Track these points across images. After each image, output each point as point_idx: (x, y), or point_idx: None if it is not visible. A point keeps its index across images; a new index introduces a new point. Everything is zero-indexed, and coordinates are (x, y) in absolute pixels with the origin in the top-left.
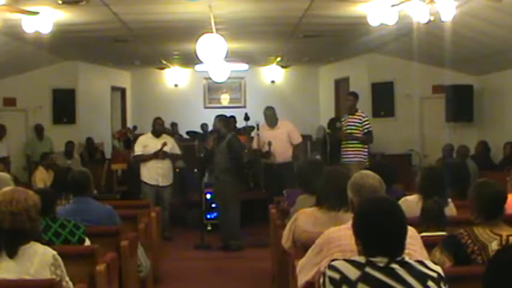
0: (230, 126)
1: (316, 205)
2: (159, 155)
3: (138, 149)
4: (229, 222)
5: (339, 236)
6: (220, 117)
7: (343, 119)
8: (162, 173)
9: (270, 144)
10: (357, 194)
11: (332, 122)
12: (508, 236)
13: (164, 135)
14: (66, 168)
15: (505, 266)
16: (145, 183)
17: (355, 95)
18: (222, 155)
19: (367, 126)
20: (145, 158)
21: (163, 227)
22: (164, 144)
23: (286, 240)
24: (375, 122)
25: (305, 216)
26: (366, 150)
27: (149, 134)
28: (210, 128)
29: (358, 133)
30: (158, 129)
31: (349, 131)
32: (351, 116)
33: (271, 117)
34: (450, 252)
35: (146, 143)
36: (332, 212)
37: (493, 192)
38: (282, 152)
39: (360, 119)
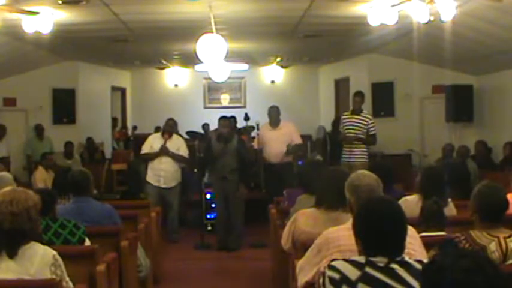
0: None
1: (316, 205)
2: (163, 150)
3: (145, 148)
4: (235, 221)
5: (337, 236)
6: (224, 118)
7: (345, 117)
8: (164, 174)
9: (288, 147)
10: (353, 194)
11: (335, 123)
12: (505, 238)
13: (174, 136)
14: (66, 168)
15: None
16: (149, 183)
17: (362, 96)
18: (231, 156)
19: (372, 129)
20: (150, 156)
21: (172, 230)
22: (166, 139)
23: (285, 241)
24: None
25: (305, 216)
26: (368, 150)
27: (158, 134)
28: (212, 128)
29: (361, 134)
30: (165, 129)
31: (352, 131)
32: (356, 116)
33: (274, 116)
34: None
35: (153, 143)
36: (331, 212)
37: (497, 198)
38: (283, 152)
39: (366, 121)
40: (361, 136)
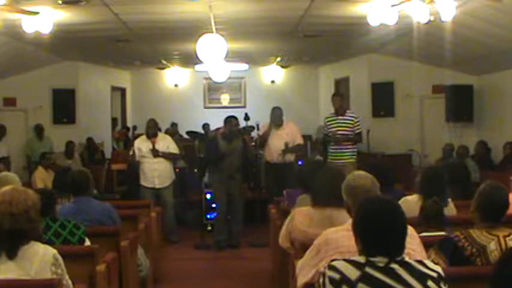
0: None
1: (312, 204)
2: (153, 153)
3: (136, 153)
4: (237, 219)
5: (336, 238)
6: (233, 117)
7: (331, 119)
8: (158, 175)
9: (286, 145)
10: (350, 196)
11: None
12: (504, 237)
13: (160, 135)
14: (66, 168)
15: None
16: (143, 186)
17: (341, 95)
18: (237, 155)
19: (358, 127)
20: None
21: (169, 230)
22: (154, 142)
23: (284, 240)
24: (375, 122)
25: (301, 216)
26: (356, 149)
27: (143, 137)
28: (212, 128)
29: (349, 133)
30: (148, 132)
31: (340, 131)
32: (341, 117)
33: (279, 117)
34: (445, 254)
35: (140, 146)
36: (326, 210)
37: (497, 198)
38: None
39: (352, 120)
40: (350, 136)
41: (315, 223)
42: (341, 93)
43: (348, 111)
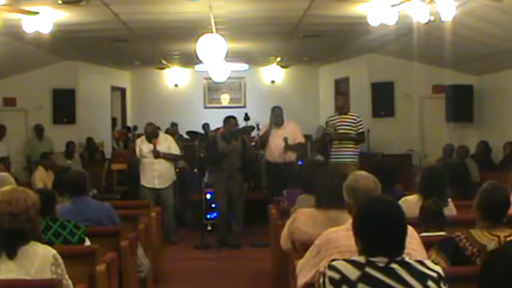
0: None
1: (315, 206)
2: (154, 154)
3: (137, 152)
4: (237, 219)
5: (337, 237)
6: (233, 117)
7: (334, 118)
8: (158, 175)
9: (286, 140)
10: (352, 197)
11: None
12: (505, 237)
13: (162, 136)
14: (66, 168)
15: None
16: (143, 186)
17: (343, 94)
18: (236, 155)
19: (361, 127)
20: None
21: (169, 230)
22: (155, 143)
23: (285, 242)
24: (375, 122)
25: (304, 217)
26: (358, 150)
27: (142, 137)
28: (212, 128)
29: (352, 133)
30: (148, 136)
31: (342, 130)
32: (343, 116)
33: (279, 116)
34: (446, 254)
35: (141, 145)
36: (329, 211)
37: (498, 198)
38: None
39: (355, 119)
40: (353, 135)
41: (318, 224)
42: (344, 93)
43: (350, 111)
